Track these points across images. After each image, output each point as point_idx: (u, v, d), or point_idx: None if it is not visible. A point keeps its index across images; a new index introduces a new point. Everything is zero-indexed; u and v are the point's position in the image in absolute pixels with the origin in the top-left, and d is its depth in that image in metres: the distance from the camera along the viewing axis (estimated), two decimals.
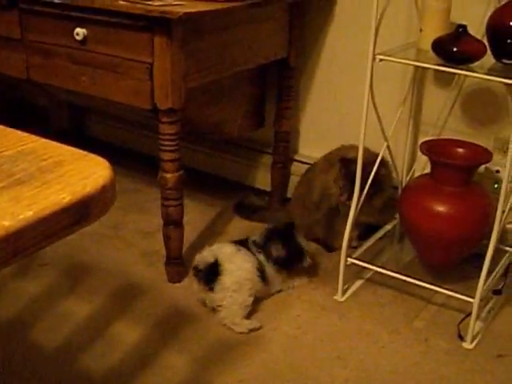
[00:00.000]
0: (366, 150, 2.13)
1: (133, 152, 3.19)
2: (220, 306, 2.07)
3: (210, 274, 2.06)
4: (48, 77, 2.25)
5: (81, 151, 0.80)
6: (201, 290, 2.10)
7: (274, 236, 2.21)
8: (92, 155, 0.79)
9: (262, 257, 2.16)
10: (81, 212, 0.71)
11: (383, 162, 2.30)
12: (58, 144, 0.82)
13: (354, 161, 2.14)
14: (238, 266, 2.08)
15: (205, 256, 2.10)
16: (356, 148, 2.12)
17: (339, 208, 2.38)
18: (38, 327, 2.05)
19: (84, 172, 0.75)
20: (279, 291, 2.24)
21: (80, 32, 2.09)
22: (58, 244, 2.27)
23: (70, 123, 3.41)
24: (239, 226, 2.65)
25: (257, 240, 2.20)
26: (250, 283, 2.08)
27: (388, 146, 2.23)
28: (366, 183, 2.17)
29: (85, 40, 2.10)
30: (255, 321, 2.09)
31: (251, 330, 2.05)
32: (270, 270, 2.17)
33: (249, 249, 2.16)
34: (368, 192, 2.19)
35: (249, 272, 2.09)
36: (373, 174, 2.16)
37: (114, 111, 2.87)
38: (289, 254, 2.20)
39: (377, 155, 2.21)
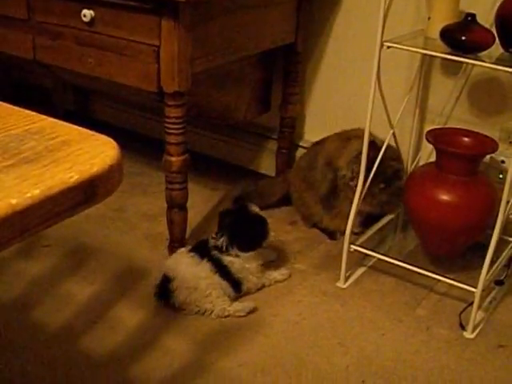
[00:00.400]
0: (389, 146, 2.19)
1: (138, 135, 3.19)
2: (203, 311, 2.05)
3: (164, 294, 2.05)
4: (55, 58, 2.25)
5: (88, 131, 0.80)
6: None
7: (226, 224, 2.12)
8: (99, 135, 0.79)
9: (224, 257, 2.09)
10: (88, 191, 0.71)
11: (396, 156, 2.31)
12: (66, 123, 0.82)
13: (378, 148, 2.15)
14: (189, 277, 2.03)
15: (158, 278, 2.08)
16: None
17: (340, 190, 2.38)
18: (40, 308, 2.06)
19: (91, 151, 0.75)
20: (262, 287, 2.19)
21: (87, 13, 2.08)
22: (61, 225, 2.28)
23: (74, 105, 3.41)
24: None
25: (215, 240, 2.11)
26: (213, 290, 2.04)
27: (394, 134, 2.23)
28: (376, 175, 2.18)
29: (92, 22, 2.09)
30: (248, 302, 2.08)
31: (248, 313, 2.05)
32: (237, 265, 2.10)
33: (209, 252, 2.09)
34: (376, 184, 2.20)
35: (204, 279, 2.04)
36: (377, 163, 2.16)
37: (119, 94, 2.86)
38: (245, 235, 2.12)
39: (395, 151, 2.23)
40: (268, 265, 2.24)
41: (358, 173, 2.17)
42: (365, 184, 2.16)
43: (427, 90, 2.41)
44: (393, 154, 2.35)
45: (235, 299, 2.10)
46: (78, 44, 2.16)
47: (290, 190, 2.59)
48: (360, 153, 2.16)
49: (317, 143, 2.55)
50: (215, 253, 2.08)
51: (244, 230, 2.12)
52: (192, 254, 2.09)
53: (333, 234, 2.49)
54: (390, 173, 2.31)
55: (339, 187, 2.38)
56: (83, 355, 1.87)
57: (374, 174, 2.17)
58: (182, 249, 2.15)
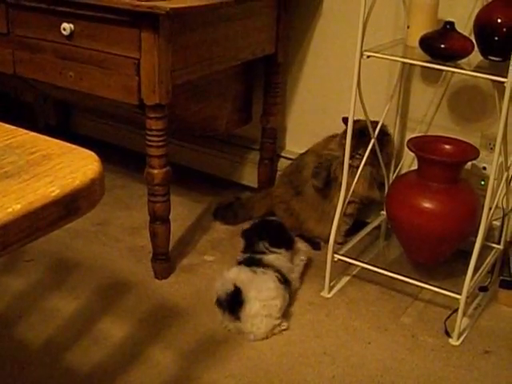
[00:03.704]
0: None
1: (119, 148, 3.18)
2: (249, 332, 2.02)
3: (234, 303, 2.00)
4: (35, 72, 2.24)
5: (69, 144, 0.79)
6: (226, 320, 2.04)
7: (256, 233, 2.19)
8: (80, 149, 0.79)
9: (282, 264, 2.13)
10: (70, 205, 0.71)
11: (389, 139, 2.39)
12: (47, 137, 0.82)
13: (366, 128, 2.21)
14: (262, 288, 2.01)
15: (224, 285, 2.04)
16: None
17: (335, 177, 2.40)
18: (23, 324, 2.04)
19: (73, 165, 0.74)
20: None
21: (67, 27, 2.08)
22: (43, 240, 2.26)
23: (56, 119, 3.39)
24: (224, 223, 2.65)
25: (260, 245, 2.16)
26: (279, 302, 2.03)
27: (375, 143, 2.24)
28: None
29: (72, 35, 2.09)
30: (282, 322, 2.06)
31: (277, 332, 2.05)
32: (285, 266, 2.14)
33: (259, 256, 2.12)
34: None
35: (273, 290, 2.03)
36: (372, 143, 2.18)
37: (100, 107, 2.86)
38: (279, 235, 2.19)
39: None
40: None
41: (357, 152, 2.24)
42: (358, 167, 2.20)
43: (408, 99, 2.42)
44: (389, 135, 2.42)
45: None
46: (58, 58, 2.15)
47: (275, 202, 2.58)
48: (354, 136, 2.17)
49: (302, 154, 2.55)
50: (267, 261, 2.11)
51: (278, 230, 2.20)
52: (253, 267, 2.07)
53: (317, 244, 2.50)
54: (390, 151, 2.40)
55: (333, 173, 2.40)
56: (68, 370, 1.86)
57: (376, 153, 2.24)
58: (235, 268, 2.12)
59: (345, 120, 2.26)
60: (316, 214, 2.47)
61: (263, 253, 2.13)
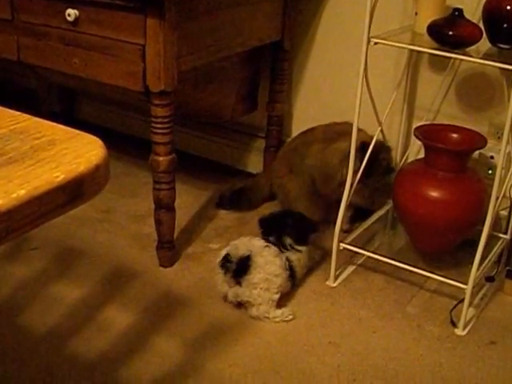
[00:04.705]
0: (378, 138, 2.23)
1: (124, 135, 3.18)
2: (245, 301, 2.04)
3: (240, 268, 2.01)
4: (39, 58, 2.23)
5: (74, 130, 0.79)
6: (225, 283, 2.05)
7: (279, 226, 2.17)
8: (85, 134, 0.79)
9: (292, 255, 2.12)
10: (74, 191, 0.71)
11: (386, 147, 2.36)
12: (51, 123, 0.82)
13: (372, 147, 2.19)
14: (269, 262, 2.02)
15: (238, 248, 2.04)
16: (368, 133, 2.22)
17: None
18: (28, 312, 2.05)
19: (77, 151, 0.74)
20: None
21: (72, 13, 2.07)
22: (48, 228, 2.27)
23: (60, 106, 3.39)
24: (231, 211, 2.65)
25: (286, 241, 2.15)
26: (279, 280, 2.03)
27: (382, 131, 2.23)
28: (370, 168, 2.23)
29: (76, 21, 2.09)
30: (287, 310, 2.06)
31: (283, 321, 2.05)
32: (298, 263, 2.14)
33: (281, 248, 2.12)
34: (369, 176, 2.24)
35: (278, 268, 2.04)
36: (368, 155, 2.17)
37: (105, 94, 2.86)
38: (302, 230, 2.19)
39: (383, 143, 2.31)
40: None
41: (357, 170, 2.20)
42: (355, 178, 2.16)
43: (415, 86, 2.41)
44: (386, 148, 2.38)
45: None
46: (63, 44, 2.15)
47: (272, 177, 2.60)
48: (357, 150, 2.19)
49: (305, 132, 2.55)
50: (284, 250, 2.11)
51: (299, 225, 2.19)
52: (269, 244, 2.08)
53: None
54: (384, 166, 2.35)
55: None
56: (71, 358, 1.87)
57: (369, 168, 2.20)
58: (246, 237, 2.12)
59: (363, 147, 2.23)
60: (308, 197, 2.49)
61: (287, 250, 2.12)
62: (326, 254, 2.34)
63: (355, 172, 2.18)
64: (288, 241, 2.13)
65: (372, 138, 2.20)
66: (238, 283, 2.02)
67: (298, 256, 2.14)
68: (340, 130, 2.42)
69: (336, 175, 2.35)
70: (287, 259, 2.09)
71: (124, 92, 2.19)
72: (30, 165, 0.72)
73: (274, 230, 2.15)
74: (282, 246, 2.11)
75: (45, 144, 0.76)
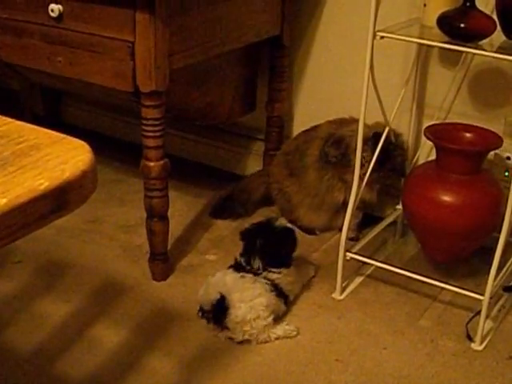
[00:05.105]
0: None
1: (113, 139, 3.18)
2: (241, 339, 2.02)
3: (218, 313, 2.00)
4: (21, 57, 2.24)
5: (59, 134, 0.79)
6: (214, 330, 2.04)
7: (255, 245, 2.10)
8: (71, 138, 0.78)
9: (270, 274, 2.08)
10: (59, 199, 0.70)
11: (402, 146, 2.40)
12: (34, 126, 0.82)
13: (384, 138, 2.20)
14: (246, 292, 2.01)
15: (208, 293, 2.03)
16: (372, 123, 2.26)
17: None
18: (12, 330, 2.05)
19: (62, 156, 0.74)
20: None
21: (55, 8, 2.07)
22: (32, 239, 2.25)
23: (44, 109, 3.39)
24: (228, 219, 2.65)
25: (243, 259, 2.11)
26: (265, 301, 2.01)
27: (390, 131, 2.23)
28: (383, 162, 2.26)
29: (60, 17, 2.09)
30: (289, 326, 2.06)
31: (286, 337, 2.04)
32: (284, 280, 2.11)
33: (248, 270, 2.09)
34: (381, 170, 2.29)
35: (258, 292, 2.02)
36: (377, 153, 2.19)
37: (92, 95, 2.86)
38: (278, 252, 2.12)
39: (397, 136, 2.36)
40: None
41: (369, 160, 2.22)
42: (365, 174, 2.19)
43: (425, 83, 2.41)
44: (401, 143, 2.42)
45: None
46: (46, 42, 2.15)
47: (270, 181, 2.61)
48: (368, 140, 2.22)
49: (306, 131, 2.56)
50: (259, 272, 2.08)
51: (275, 247, 2.12)
52: (242, 273, 2.06)
53: (312, 231, 2.51)
54: (398, 162, 2.38)
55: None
56: (59, 379, 1.87)
57: (382, 162, 2.23)
58: (219, 273, 2.11)
59: (375, 137, 2.26)
60: (311, 200, 2.49)
61: (258, 274, 2.08)
62: (322, 267, 2.34)
63: (366, 163, 2.21)
64: (256, 264, 2.08)
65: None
66: (226, 327, 2.01)
67: (277, 276, 2.09)
68: (348, 120, 2.43)
69: (346, 139, 2.39)
70: (267, 279, 2.06)
71: (112, 93, 2.19)
72: (12, 172, 0.71)
73: (245, 249, 2.12)
74: (251, 269, 2.08)
75: (27, 149, 0.76)
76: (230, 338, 2.01)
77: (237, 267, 2.10)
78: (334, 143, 2.41)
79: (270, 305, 2.03)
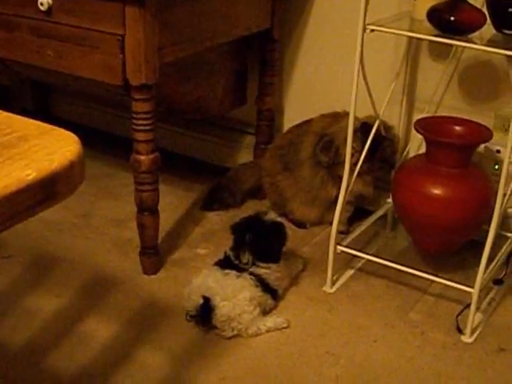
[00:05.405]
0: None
1: (103, 133, 3.17)
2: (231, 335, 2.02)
3: (205, 315, 2.00)
4: (10, 51, 2.23)
5: (46, 125, 0.79)
6: (203, 330, 2.04)
7: (244, 240, 2.10)
8: (59, 129, 0.78)
9: (258, 270, 2.09)
10: (47, 190, 0.70)
11: (391, 138, 2.40)
12: (22, 117, 0.82)
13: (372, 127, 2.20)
14: (227, 288, 2.01)
15: (192, 300, 2.03)
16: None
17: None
18: (1, 324, 2.04)
19: (50, 147, 0.74)
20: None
21: (44, 1, 2.06)
22: (22, 234, 2.26)
23: (34, 103, 3.39)
24: (219, 213, 2.65)
25: (232, 253, 2.12)
26: (247, 293, 2.01)
27: (380, 124, 2.23)
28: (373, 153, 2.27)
29: (50, 10, 2.08)
30: (280, 319, 2.06)
31: (277, 330, 2.04)
32: (272, 276, 2.11)
33: (236, 265, 2.09)
34: (372, 162, 2.31)
35: (238, 283, 2.03)
36: (368, 143, 2.19)
37: (82, 89, 2.85)
38: (268, 247, 2.12)
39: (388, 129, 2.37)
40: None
41: (359, 151, 2.22)
42: (355, 164, 2.19)
43: (415, 76, 2.41)
44: (391, 136, 2.42)
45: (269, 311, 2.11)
46: (35, 35, 2.14)
47: (262, 175, 2.62)
48: (357, 130, 2.23)
49: (299, 125, 2.56)
50: (247, 267, 2.08)
51: (265, 241, 2.11)
52: (226, 270, 2.06)
53: (303, 224, 2.52)
54: (388, 153, 2.39)
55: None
56: (50, 374, 1.86)
57: (372, 152, 2.24)
58: (203, 272, 2.11)
59: (364, 127, 2.28)
60: (304, 195, 2.50)
61: (245, 270, 2.08)
62: (313, 261, 2.34)
63: (356, 153, 2.22)
64: (246, 258, 2.09)
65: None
66: (215, 327, 2.01)
67: (265, 271, 2.09)
68: (341, 114, 2.43)
69: (336, 141, 2.39)
70: (253, 274, 2.06)
71: (102, 86, 2.18)
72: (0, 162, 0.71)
73: (234, 243, 2.13)
74: (240, 264, 2.08)
75: (15, 140, 0.76)
76: (220, 335, 2.01)
77: (224, 262, 2.11)
78: (324, 149, 2.42)
79: (254, 298, 2.03)
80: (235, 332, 2.00)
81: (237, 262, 2.08)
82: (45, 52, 2.14)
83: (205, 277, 2.07)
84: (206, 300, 1.99)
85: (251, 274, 2.06)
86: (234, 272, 2.05)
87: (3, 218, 0.67)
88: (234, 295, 2.00)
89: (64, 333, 2.01)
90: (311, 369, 1.90)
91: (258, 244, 2.09)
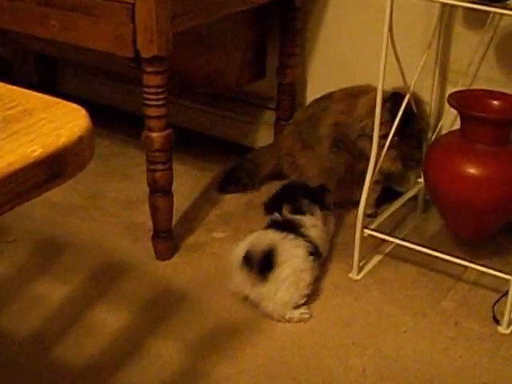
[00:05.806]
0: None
1: (112, 109, 3.17)
2: (269, 299, 2.03)
3: (265, 264, 2.01)
4: (12, 22, 2.23)
5: (53, 98, 0.79)
6: (247, 283, 2.04)
7: (295, 196, 2.22)
8: (66, 102, 0.79)
9: (312, 233, 2.15)
10: (54, 167, 0.71)
11: (420, 111, 2.39)
12: (27, 91, 0.82)
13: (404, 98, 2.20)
14: (292, 255, 2.03)
15: (257, 243, 2.04)
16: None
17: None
18: (7, 312, 2.06)
19: (57, 121, 0.74)
20: None
21: None
22: (28, 217, 2.27)
23: (38, 77, 3.39)
24: (236, 195, 2.66)
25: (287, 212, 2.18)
26: (308, 275, 2.05)
27: (411, 99, 2.22)
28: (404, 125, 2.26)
29: None
30: (303, 308, 2.07)
31: (299, 321, 2.06)
32: (321, 236, 2.19)
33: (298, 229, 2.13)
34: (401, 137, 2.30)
35: (302, 260, 2.05)
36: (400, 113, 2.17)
37: (89, 62, 2.85)
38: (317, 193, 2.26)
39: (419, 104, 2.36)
40: None
41: (386, 123, 2.23)
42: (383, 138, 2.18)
43: (448, 46, 2.40)
44: (422, 111, 2.42)
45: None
46: (39, 4, 2.14)
47: (281, 155, 2.62)
48: (386, 100, 2.22)
49: (320, 98, 2.56)
50: (303, 230, 2.12)
51: (311, 190, 2.27)
52: (284, 233, 2.08)
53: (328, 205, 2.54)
54: (421, 126, 2.40)
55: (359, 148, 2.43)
56: (57, 365, 1.88)
57: (403, 126, 2.23)
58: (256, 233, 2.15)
59: (394, 97, 2.28)
60: (326, 174, 2.49)
61: (303, 213, 2.17)
62: (338, 246, 2.35)
63: (385, 124, 2.22)
64: (305, 202, 2.20)
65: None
66: (265, 279, 2.01)
67: (314, 222, 2.17)
68: (364, 89, 2.43)
69: (357, 126, 2.39)
70: (306, 240, 2.09)
71: (111, 59, 2.18)
72: (3, 138, 0.72)
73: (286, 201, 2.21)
74: (297, 210, 2.17)
75: (19, 114, 0.76)
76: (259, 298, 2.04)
77: (276, 225, 2.14)
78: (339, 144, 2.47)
79: (310, 282, 2.08)
80: (276, 296, 2.01)
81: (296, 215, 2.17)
82: (49, 22, 2.14)
83: (266, 233, 2.10)
84: (273, 250, 2.01)
85: (304, 236, 2.10)
86: (291, 236, 2.08)
87: (7, 198, 0.67)
88: (297, 267, 2.03)
89: (72, 322, 2.03)
90: (336, 361, 1.91)
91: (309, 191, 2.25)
